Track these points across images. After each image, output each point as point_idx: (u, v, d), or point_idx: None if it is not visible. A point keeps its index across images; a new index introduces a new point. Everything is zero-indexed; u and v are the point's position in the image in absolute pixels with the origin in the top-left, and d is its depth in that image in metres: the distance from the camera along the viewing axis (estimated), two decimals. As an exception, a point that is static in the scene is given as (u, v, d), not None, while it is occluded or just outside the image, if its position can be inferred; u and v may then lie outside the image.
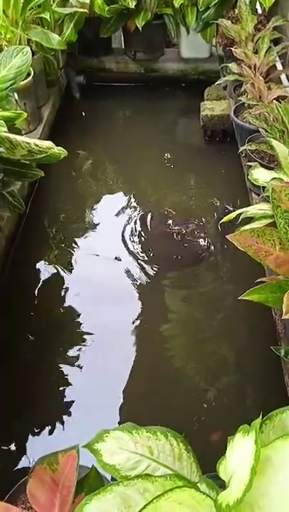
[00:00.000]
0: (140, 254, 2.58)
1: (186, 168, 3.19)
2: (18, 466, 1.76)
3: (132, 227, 2.75)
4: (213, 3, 3.31)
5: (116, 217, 2.86)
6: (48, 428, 1.86)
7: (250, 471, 0.78)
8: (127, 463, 0.94)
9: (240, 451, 0.86)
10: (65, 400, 1.95)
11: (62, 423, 1.88)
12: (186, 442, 0.98)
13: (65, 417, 1.89)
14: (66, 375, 2.03)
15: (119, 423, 1.74)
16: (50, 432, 1.85)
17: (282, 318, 1.32)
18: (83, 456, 1.09)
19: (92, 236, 2.72)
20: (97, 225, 2.79)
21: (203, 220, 2.76)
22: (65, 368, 2.06)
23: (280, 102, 2.21)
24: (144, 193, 3.01)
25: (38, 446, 1.80)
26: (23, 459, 1.78)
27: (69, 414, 1.90)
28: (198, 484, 0.92)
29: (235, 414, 1.86)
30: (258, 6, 3.31)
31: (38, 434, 1.85)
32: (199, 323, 2.27)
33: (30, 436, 1.84)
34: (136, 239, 2.67)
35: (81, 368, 2.06)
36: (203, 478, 0.94)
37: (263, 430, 0.94)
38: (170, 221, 2.76)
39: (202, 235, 2.66)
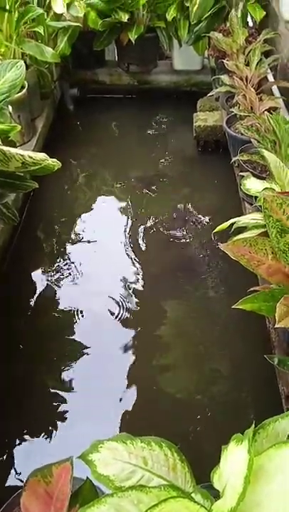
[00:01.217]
0: (134, 263, 2.58)
1: (179, 179, 3.22)
2: (12, 479, 1.74)
3: (126, 237, 2.76)
4: (204, 17, 3.37)
5: (110, 227, 2.87)
6: (42, 438, 1.85)
7: (243, 481, 0.78)
8: (121, 473, 0.94)
9: (233, 460, 0.86)
10: (59, 409, 1.94)
11: (57, 434, 1.87)
12: (180, 452, 0.97)
13: (59, 428, 1.88)
14: (60, 388, 2.03)
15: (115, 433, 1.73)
16: (46, 442, 1.84)
17: (275, 326, 1.32)
18: (78, 467, 1.09)
19: (86, 246, 2.72)
20: (92, 235, 2.80)
21: (197, 229, 2.77)
22: (59, 380, 2.06)
23: (271, 113, 2.24)
24: (138, 203, 3.02)
25: (33, 457, 1.78)
26: (17, 471, 1.76)
27: (64, 424, 1.90)
28: (192, 494, 0.92)
29: (230, 424, 1.85)
30: (249, 19, 3.37)
31: (33, 444, 1.84)
32: (194, 331, 2.27)
33: (24, 447, 1.83)
34: (129, 249, 2.68)
35: (74, 380, 2.06)
36: (197, 488, 0.94)
37: (256, 439, 0.94)
38: (163, 230, 2.77)
39: (195, 244, 2.68)
